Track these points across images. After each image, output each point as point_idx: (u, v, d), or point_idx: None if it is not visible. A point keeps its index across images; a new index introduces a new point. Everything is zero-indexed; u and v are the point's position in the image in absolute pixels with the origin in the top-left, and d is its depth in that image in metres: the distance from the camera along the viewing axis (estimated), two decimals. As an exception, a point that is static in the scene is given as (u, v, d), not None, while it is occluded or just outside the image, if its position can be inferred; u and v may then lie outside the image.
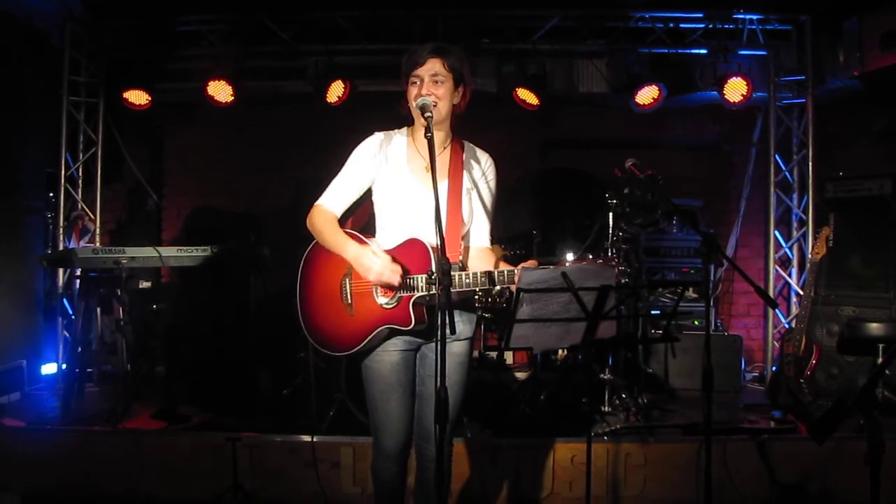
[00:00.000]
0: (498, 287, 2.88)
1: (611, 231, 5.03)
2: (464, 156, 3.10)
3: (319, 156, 3.15)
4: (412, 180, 3.00)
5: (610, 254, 4.64)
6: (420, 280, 2.84)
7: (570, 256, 5.37)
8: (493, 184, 3.18)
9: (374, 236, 3.07)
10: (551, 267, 2.76)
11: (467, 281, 2.84)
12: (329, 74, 6.52)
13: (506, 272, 2.85)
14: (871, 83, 6.09)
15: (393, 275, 2.83)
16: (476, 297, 5.14)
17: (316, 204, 3.09)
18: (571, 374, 5.32)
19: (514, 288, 2.74)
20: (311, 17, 6.59)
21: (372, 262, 2.86)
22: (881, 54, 5.81)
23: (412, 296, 2.86)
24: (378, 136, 3.09)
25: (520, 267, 2.82)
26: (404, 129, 3.12)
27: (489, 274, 2.85)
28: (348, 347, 2.98)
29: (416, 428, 3.09)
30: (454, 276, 2.79)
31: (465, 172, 3.07)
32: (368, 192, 3.10)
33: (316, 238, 3.08)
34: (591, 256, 2.91)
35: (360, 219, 3.18)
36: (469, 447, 4.44)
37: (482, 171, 3.14)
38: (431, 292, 2.80)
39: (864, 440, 2.53)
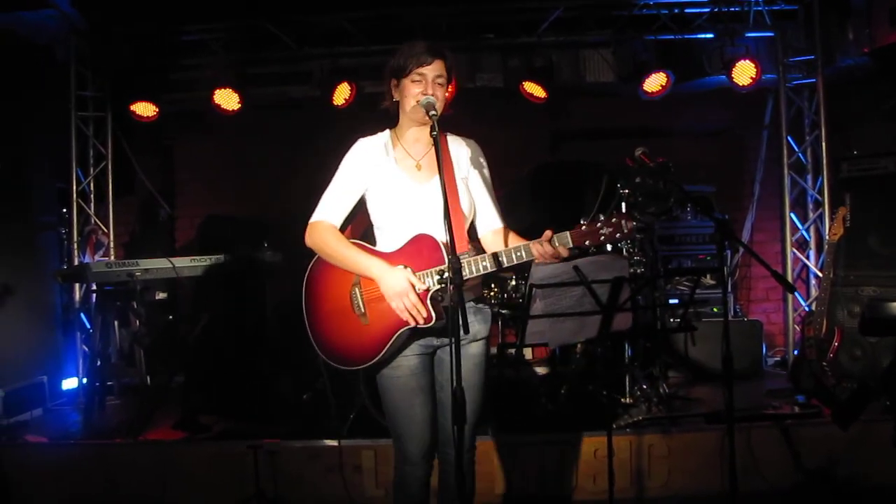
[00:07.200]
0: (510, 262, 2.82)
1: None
2: (450, 147, 3.08)
3: (329, 159, 3.11)
4: (407, 180, 2.98)
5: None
6: (433, 274, 2.81)
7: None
8: (485, 166, 3.16)
9: (372, 242, 3.03)
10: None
11: (475, 268, 2.82)
12: (334, 77, 6.51)
13: (513, 252, 2.81)
14: (881, 60, 5.99)
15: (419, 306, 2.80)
16: (491, 293, 5.16)
17: (312, 221, 3.03)
18: (591, 367, 5.29)
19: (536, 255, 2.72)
20: (314, 21, 6.56)
21: (402, 282, 2.80)
22: (891, 30, 5.71)
23: (429, 291, 2.82)
24: (364, 142, 3.06)
25: (533, 244, 2.78)
26: (386, 132, 3.10)
27: (495, 256, 2.82)
28: (369, 358, 2.89)
29: (439, 434, 3.04)
30: (464, 262, 2.77)
31: (455, 164, 3.04)
32: (362, 200, 3.05)
33: (319, 254, 3.02)
34: (589, 220, 2.80)
35: (358, 227, 3.12)
36: (492, 445, 4.42)
37: (470, 157, 3.12)
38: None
39: (891, 422, 2.49)
